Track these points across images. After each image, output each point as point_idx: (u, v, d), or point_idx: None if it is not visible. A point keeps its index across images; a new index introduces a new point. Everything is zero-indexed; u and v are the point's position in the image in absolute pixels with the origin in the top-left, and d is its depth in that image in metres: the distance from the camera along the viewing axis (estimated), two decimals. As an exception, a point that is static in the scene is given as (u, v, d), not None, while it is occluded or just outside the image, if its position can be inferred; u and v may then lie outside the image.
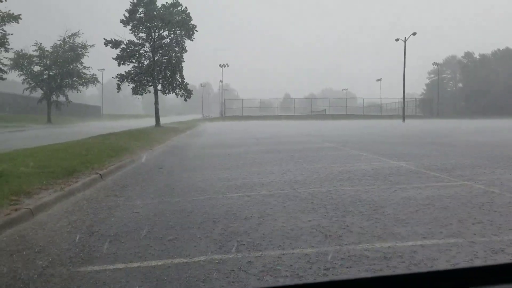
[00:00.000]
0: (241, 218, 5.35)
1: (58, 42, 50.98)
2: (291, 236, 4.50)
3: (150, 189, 7.68)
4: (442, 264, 3.60)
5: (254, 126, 41.22)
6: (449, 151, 13.25)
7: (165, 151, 15.99)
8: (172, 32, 35.18)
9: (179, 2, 34.81)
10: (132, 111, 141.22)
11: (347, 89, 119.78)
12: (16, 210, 5.65)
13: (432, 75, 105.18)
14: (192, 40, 35.28)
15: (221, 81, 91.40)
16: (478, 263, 3.57)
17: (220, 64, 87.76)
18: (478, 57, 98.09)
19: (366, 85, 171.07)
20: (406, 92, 59.24)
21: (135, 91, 35.28)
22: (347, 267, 3.57)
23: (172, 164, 11.62)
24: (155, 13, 34.01)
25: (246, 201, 6.36)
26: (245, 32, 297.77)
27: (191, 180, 8.63)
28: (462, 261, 3.63)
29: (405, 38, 57.28)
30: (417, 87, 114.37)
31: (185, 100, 37.43)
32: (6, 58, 41.22)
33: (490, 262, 3.56)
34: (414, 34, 57.69)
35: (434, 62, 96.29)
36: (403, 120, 53.52)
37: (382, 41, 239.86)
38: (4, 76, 32.95)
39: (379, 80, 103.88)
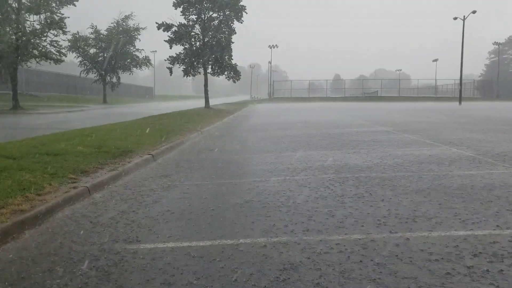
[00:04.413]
0: (287, 204, 5.36)
1: (112, 25, 52.58)
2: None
3: (200, 171, 7.85)
4: None
5: (301, 109, 40.84)
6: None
7: (213, 133, 16.21)
8: (221, 14, 35.23)
9: (229, -17, 34.63)
10: (183, 91, 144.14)
11: (401, 70, 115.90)
12: (74, 188, 5.97)
13: (493, 55, 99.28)
14: (241, 22, 35.13)
15: (269, 62, 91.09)
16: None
17: (269, 45, 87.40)
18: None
19: (421, 66, 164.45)
20: (463, 73, 56.29)
21: (185, 73, 35.85)
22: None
23: (221, 146, 11.76)
24: (204, -6, 34.13)
25: (286, 185, 6.36)
26: (296, 12, 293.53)
27: (239, 163, 8.74)
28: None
29: (464, 16, 54.16)
30: (475, 68, 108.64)
31: (234, 82, 37.64)
32: (64, 40, 42.79)
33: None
34: (474, 12, 54.33)
35: (495, 42, 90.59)
36: (460, 102, 51.08)
37: (440, 20, 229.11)
38: (63, 58, 34.47)
39: (435, 60, 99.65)
